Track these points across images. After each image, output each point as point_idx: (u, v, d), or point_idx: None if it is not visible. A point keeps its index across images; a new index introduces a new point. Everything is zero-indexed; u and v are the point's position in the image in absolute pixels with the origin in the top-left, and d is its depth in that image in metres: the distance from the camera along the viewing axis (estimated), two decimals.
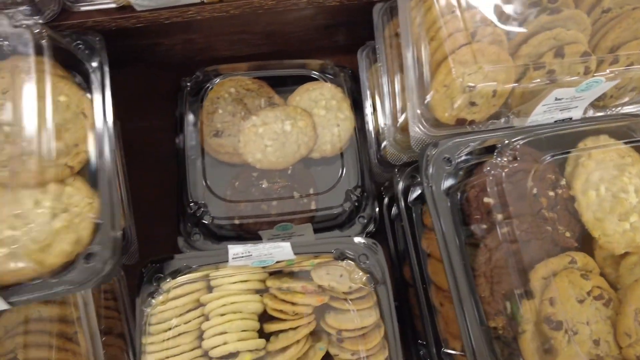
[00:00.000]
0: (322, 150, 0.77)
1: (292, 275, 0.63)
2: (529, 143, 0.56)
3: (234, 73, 0.81)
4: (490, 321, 0.55)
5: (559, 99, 0.59)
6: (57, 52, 0.56)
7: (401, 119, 0.69)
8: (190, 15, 0.66)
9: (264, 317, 0.61)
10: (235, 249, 0.63)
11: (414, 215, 0.69)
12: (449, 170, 0.58)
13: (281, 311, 0.59)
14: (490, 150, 0.58)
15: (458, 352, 0.62)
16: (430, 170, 0.58)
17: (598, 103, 0.65)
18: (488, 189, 0.54)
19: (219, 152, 0.77)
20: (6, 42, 0.54)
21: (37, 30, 0.54)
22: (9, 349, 0.57)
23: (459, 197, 0.58)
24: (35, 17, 0.57)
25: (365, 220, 0.79)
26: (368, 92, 0.80)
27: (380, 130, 0.76)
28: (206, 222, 0.72)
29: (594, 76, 0.59)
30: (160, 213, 0.76)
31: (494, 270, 0.55)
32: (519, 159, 0.55)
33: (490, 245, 0.56)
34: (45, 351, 0.57)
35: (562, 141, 0.59)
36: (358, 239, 0.65)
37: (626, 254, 0.56)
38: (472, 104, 0.60)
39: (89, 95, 0.58)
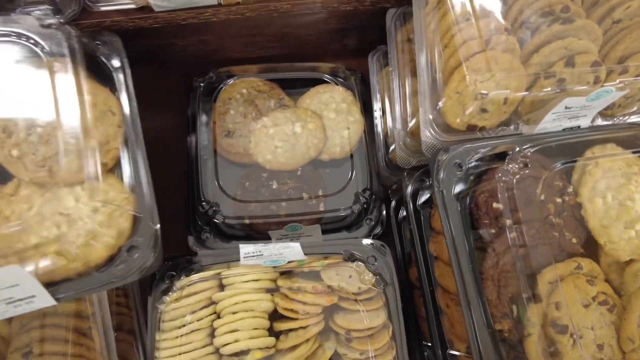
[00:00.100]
0: (332, 153, 0.78)
1: (302, 275, 0.64)
2: (539, 151, 0.58)
3: (246, 74, 0.82)
4: (497, 324, 0.56)
5: (569, 108, 0.61)
6: (76, 52, 0.57)
7: (411, 123, 0.70)
8: (206, 16, 0.67)
9: (275, 315, 0.62)
10: (246, 248, 0.64)
11: (422, 218, 0.70)
12: (460, 175, 0.59)
13: (291, 310, 0.61)
14: (500, 156, 0.59)
15: (463, 354, 0.63)
16: (441, 175, 0.59)
17: (606, 112, 0.67)
18: (499, 195, 0.55)
19: (229, 152, 0.78)
20: (39, 43, 0.55)
21: (68, 31, 0.55)
22: (25, 342, 0.58)
23: (468, 201, 0.59)
24: (56, 17, 0.58)
25: (373, 223, 0.80)
26: (378, 96, 0.81)
27: (389, 134, 0.77)
28: (217, 221, 0.73)
29: (603, 86, 0.60)
30: (170, 212, 0.76)
31: (502, 274, 0.56)
32: (529, 166, 0.56)
33: (498, 249, 0.57)
34: (61, 345, 0.58)
35: (571, 149, 0.60)
36: (367, 241, 0.67)
37: (631, 260, 0.58)
38: (484, 110, 0.61)
39: (113, 93, 0.59)
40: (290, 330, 0.61)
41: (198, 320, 0.60)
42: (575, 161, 0.60)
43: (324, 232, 0.78)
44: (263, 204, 0.75)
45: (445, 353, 0.65)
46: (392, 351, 0.60)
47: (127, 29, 0.67)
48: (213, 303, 0.62)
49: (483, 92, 0.57)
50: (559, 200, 0.59)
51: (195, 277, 0.62)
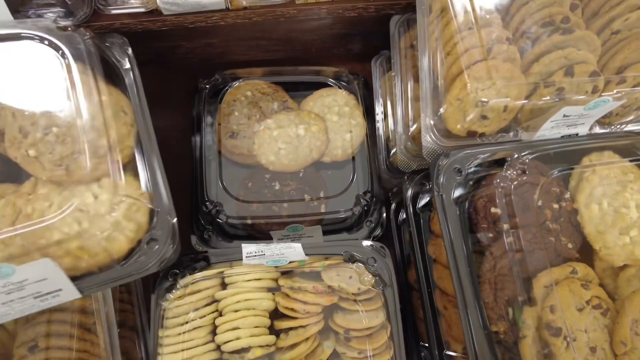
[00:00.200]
0: (334, 155, 0.80)
1: (303, 275, 0.65)
2: (537, 157, 0.59)
3: (251, 77, 0.83)
4: (493, 326, 0.57)
5: (567, 116, 0.62)
6: (87, 54, 0.59)
7: (412, 128, 0.71)
8: (214, 20, 0.69)
9: (275, 314, 0.63)
10: (248, 248, 0.65)
11: (421, 221, 0.72)
12: (459, 180, 0.60)
13: (292, 309, 0.62)
14: (499, 162, 0.60)
15: (459, 354, 0.65)
16: (441, 179, 0.60)
17: (604, 120, 0.68)
18: (497, 200, 0.57)
19: (233, 153, 0.79)
20: (55, 45, 0.56)
21: (82, 34, 0.56)
22: (30, 337, 0.59)
23: (467, 206, 0.61)
24: (69, 19, 0.59)
25: (373, 225, 0.81)
26: (380, 100, 0.82)
27: (391, 137, 0.78)
28: (221, 221, 0.74)
29: (601, 95, 0.61)
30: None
31: (498, 277, 0.58)
32: (527, 172, 0.57)
33: (495, 253, 0.58)
34: (66, 340, 0.59)
35: (568, 156, 0.62)
36: (367, 243, 0.68)
37: (625, 266, 0.59)
38: (484, 117, 0.62)
39: (124, 93, 0.60)
40: (291, 328, 0.62)
41: (200, 318, 0.61)
42: (572, 168, 0.62)
43: (325, 233, 0.79)
44: (265, 204, 0.76)
45: (442, 354, 0.66)
46: (389, 351, 0.61)
47: (136, 31, 0.69)
48: (215, 301, 0.63)
49: (483, 99, 0.58)
50: (556, 206, 0.61)
51: (198, 275, 0.63)
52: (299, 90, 0.83)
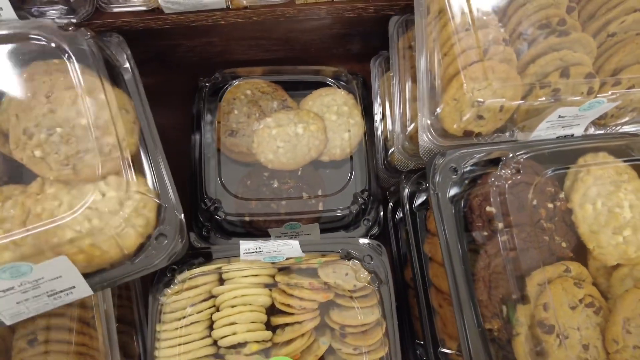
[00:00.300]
0: (332, 154, 0.80)
1: (300, 271, 0.66)
2: (531, 157, 0.60)
3: (251, 76, 0.84)
4: (487, 323, 0.58)
5: (562, 117, 0.63)
6: (87, 53, 0.60)
7: (410, 128, 0.72)
8: (214, 19, 0.70)
9: (272, 310, 0.64)
10: (246, 245, 0.66)
11: (418, 220, 0.72)
12: (455, 179, 0.61)
13: (288, 305, 0.62)
14: (494, 162, 0.61)
15: (454, 352, 0.65)
16: (437, 178, 0.61)
17: (599, 121, 0.69)
18: (491, 199, 0.57)
19: (232, 151, 0.80)
20: (58, 45, 0.57)
21: (84, 33, 0.57)
22: (30, 329, 0.60)
23: (462, 205, 0.61)
24: (70, 17, 0.60)
25: (370, 223, 0.82)
26: (379, 100, 0.83)
27: (388, 137, 0.79)
28: (219, 218, 0.75)
29: (597, 97, 0.62)
30: None
31: (493, 275, 0.58)
32: (521, 172, 0.58)
33: (490, 251, 0.59)
34: (65, 334, 0.60)
35: (563, 156, 0.62)
36: (363, 241, 0.68)
37: (618, 265, 0.60)
38: (480, 117, 0.63)
39: (124, 91, 0.61)
40: (287, 324, 0.62)
41: (198, 313, 0.62)
42: (568, 168, 0.62)
43: (323, 231, 0.80)
44: (264, 202, 0.77)
45: (436, 351, 0.67)
46: (384, 347, 0.62)
47: (137, 30, 0.69)
48: (213, 297, 0.64)
49: (479, 99, 0.59)
50: (550, 205, 0.61)
51: (196, 270, 0.64)
52: (298, 89, 0.84)
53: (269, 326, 0.63)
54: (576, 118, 0.64)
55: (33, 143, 0.54)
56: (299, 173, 0.80)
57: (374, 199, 0.81)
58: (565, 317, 0.54)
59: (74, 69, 0.55)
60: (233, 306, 0.62)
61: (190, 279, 0.63)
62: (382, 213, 0.83)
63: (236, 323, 0.61)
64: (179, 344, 0.60)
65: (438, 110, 0.63)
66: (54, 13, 0.60)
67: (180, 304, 0.62)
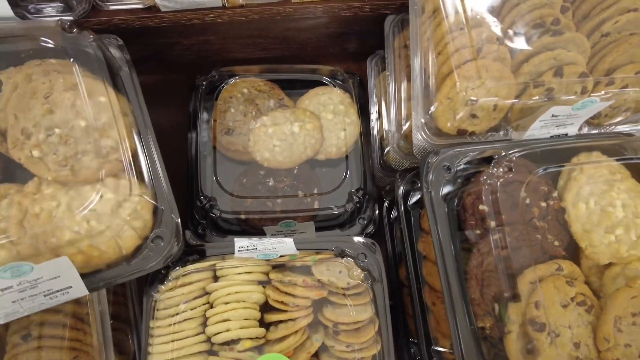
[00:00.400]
0: (328, 153, 0.81)
1: (293, 269, 0.66)
2: (524, 156, 0.60)
3: (248, 74, 0.84)
4: (479, 322, 0.58)
5: (556, 116, 0.63)
6: (86, 55, 0.60)
7: (405, 127, 0.72)
8: (211, 17, 0.70)
9: (266, 307, 0.64)
10: (241, 242, 0.66)
11: (412, 218, 0.73)
12: (448, 177, 0.61)
13: (282, 302, 0.63)
14: (487, 160, 0.61)
15: (447, 350, 0.65)
16: (431, 176, 0.61)
17: (593, 121, 0.69)
18: (483, 197, 0.58)
19: (229, 149, 0.80)
20: (59, 46, 0.58)
21: (86, 35, 0.58)
22: (24, 325, 0.60)
23: (456, 203, 0.62)
24: (66, 14, 0.61)
25: (365, 222, 0.82)
26: (375, 99, 0.83)
27: (385, 136, 0.79)
28: (214, 215, 0.75)
29: (590, 96, 0.62)
30: None
31: (485, 273, 0.58)
32: (514, 170, 0.58)
33: (482, 250, 0.59)
34: (59, 329, 0.60)
35: (557, 155, 0.63)
36: (358, 239, 0.69)
37: (610, 264, 0.60)
38: (474, 116, 0.63)
39: (123, 94, 0.62)
40: (280, 321, 0.63)
41: (191, 310, 0.62)
42: (561, 166, 0.62)
43: (318, 229, 0.80)
44: (259, 200, 0.77)
45: (430, 349, 0.67)
46: (377, 345, 0.62)
47: (134, 28, 0.70)
48: (207, 293, 0.64)
49: (473, 98, 0.59)
50: (543, 204, 0.62)
51: (190, 267, 0.64)
52: (295, 88, 0.84)
53: (262, 323, 0.63)
54: (570, 117, 0.64)
55: (31, 143, 0.55)
56: (295, 171, 0.80)
57: (370, 197, 0.81)
58: (557, 315, 0.54)
59: (75, 70, 0.56)
60: (227, 303, 0.62)
61: (184, 275, 0.63)
62: (377, 212, 0.83)
63: (229, 320, 0.61)
64: (172, 340, 0.61)
65: (432, 109, 0.63)
66: (50, 10, 0.61)
67: (174, 301, 0.63)
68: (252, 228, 0.80)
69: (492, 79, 0.60)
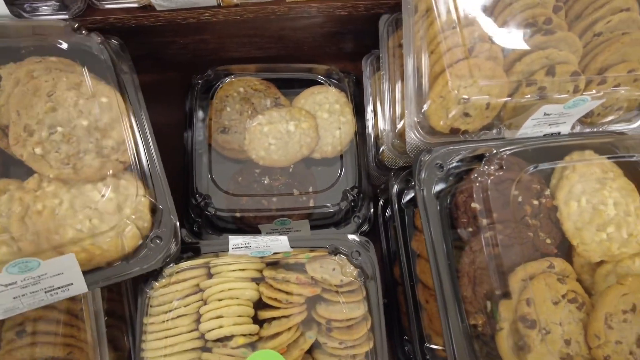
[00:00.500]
0: (323, 151, 0.81)
1: (287, 266, 0.66)
2: (516, 154, 0.60)
3: (244, 73, 0.84)
4: (471, 319, 0.58)
5: (548, 114, 0.63)
6: (90, 55, 0.61)
7: (399, 126, 0.72)
8: (206, 17, 0.70)
9: (259, 304, 0.64)
10: (235, 240, 0.66)
11: (406, 217, 0.73)
12: (441, 175, 0.61)
13: (275, 299, 0.63)
14: (480, 158, 0.61)
15: (440, 348, 0.65)
16: (423, 174, 0.61)
17: (586, 120, 0.69)
18: (474, 195, 0.58)
19: (224, 148, 0.80)
20: (65, 47, 0.59)
21: (97, 38, 0.58)
22: (17, 321, 0.60)
23: (448, 201, 0.62)
24: (62, 13, 0.61)
25: (360, 220, 0.82)
26: (370, 99, 0.84)
27: (380, 135, 0.80)
28: (209, 213, 0.76)
29: (582, 94, 0.63)
30: None
31: (477, 271, 0.59)
32: (504, 168, 0.58)
33: (474, 247, 0.59)
34: (53, 325, 0.60)
35: (549, 154, 0.63)
36: (352, 237, 0.69)
37: (602, 262, 0.60)
38: (466, 114, 0.64)
39: (125, 95, 0.63)
40: (274, 318, 0.63)
41: (185, 306, 0.62)
42: (553, 164, 0.63)
43: (313, 228, 0.81)
44: (254, 198, 0.78)
45: (423, 347, 0.67)
46: (370, 342, 0.62)
47: (130, 27, 0.70)
48: (200, 290, 0.64)
49: (465, 96, 0.60)
50: (535, 202, 0.62)
51: (184, 264, 0.64)
52: (290, 87, 0.85)
53: (256, 320, 0.63)
54: (562, 116, 0.64)
55: (34, 140, 0.55)
56: (290, 170, 0.80)
57: (364, 196, 0.82)
58: (548, 313, 0.55)
59: (79, 70, 0.57)
60: (220, 300, 0.62)
61: (178, 272, 0.64)
62: (372, 210, 0.83)
63: (223, 316, 0.61)
64: (166, 337, 0.61)
65: (425, 107, 0.64)
66: (46, 9, 0.61)
67: (168, 297, 0.63)
68: (248, 226, 0.80)
69: (484, 77, 0.61)
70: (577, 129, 0.68)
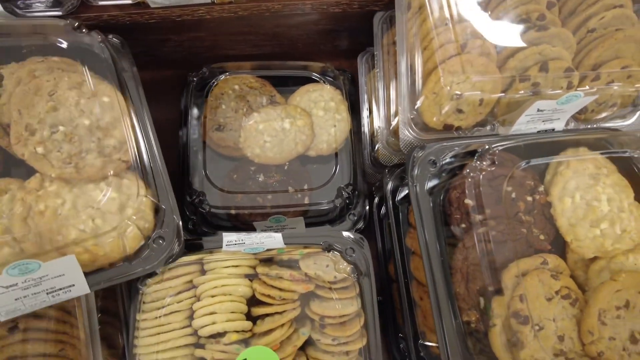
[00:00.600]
0: (319, 149, 0.81)
1: (281, 263, 0.66)
2: (509, 150, 0.60)
3: (239, 71, 0.84)
4: (464, 316, 0.58)
5: (541, 110, 0.63)
6: (91, 54, 0.61)
7: (394, 123, 0.72)
8: (200, 14, 0.70)
9: (252, 301, 0.64)
10: (229, 237, 0.66)
11: (400, 214, 0.73)
12: (434, 171, 0.61)
13: (269, 296, 0.63)
14: (473, 154, 0.61)
15: (434, 344, 0.65)
16: (416, 171, 0.61)
17: (580, 116, 0.69)
18: (467, 191, 0.58)
19: (219, 145, 0.80)
20: (66, 46, 0.59)
21: (93, 35, 0.58)
22: (10, 317, 0.60)
23: (441, 197, 0.62)
24: (55, 9, 0.61)
25: (355, 218, 0.82)
26: (365, 96, 0.84)
27: (375, 133, 0.80)
28: (204, 210, 0.75)
29: (576, 90, 0.62)
30: None
31: (470, 267, 0.59)
32: (497, 163, 0.58)
33: (467, 244, 0.59)
34: (45, 322, 0.60)
35: (542, 149, 0.63)
36: (346, 234, 0.69)
37: (595, 258, 0.60)
38: (459, 111, 0.63)
39: (126, 94, 0.62)
40: (267, 315, 0.63)
41: (178, 303, 0.62)
42: (546, 159, 0.63)
43: (308, 225, 0.81)
44: (249, 195, 0.78)
45: (417, 344, 0.67)
46: (363, 339, 0.62)
47: (124, 24, 0.70)
48: (194, 287, 0.64)
49: (457, 92, 0.60)
50: (529, 198, 0.62)
51: (177, 261, 0.64)
52: (286, 85, 0.85)
53: (249, 316, 0.63)
54: (555, 112, 0.64)
55: (35, 139, 0.55)
56: (285, 167, 0.80)
57: (359, 193, 0.81)
58: (541, 309, 0.54)
59: (81, 69, 0.57)
60: (213, 296, 0.62)
61: (171, 269, 0.64)
62: (368, 208, 0.83)
63: (216, 313, 0.61)
64: (158, 333, 0.61)
65: (418, 103, 0.64)
66: (39, 6, 0.61)
67: (161, 294, 0.63)
68: (242, 223, 0.80)
69: (477, 73, 0.61)
70: (572, 125, 0.68)
